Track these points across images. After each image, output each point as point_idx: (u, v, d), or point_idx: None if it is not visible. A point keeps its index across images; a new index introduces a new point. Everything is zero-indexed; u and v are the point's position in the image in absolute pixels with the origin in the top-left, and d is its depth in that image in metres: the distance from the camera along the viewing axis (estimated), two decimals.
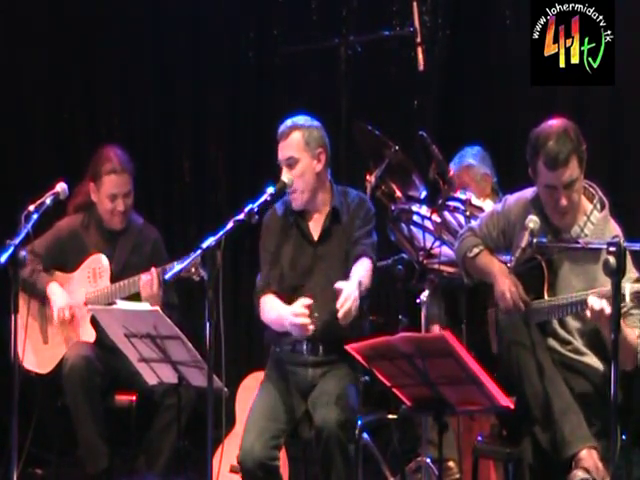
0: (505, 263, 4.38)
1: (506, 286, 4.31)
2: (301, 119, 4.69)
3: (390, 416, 4.90)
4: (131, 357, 4.52)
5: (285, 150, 4.65)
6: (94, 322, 5.16)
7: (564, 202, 4.24)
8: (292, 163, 4.62)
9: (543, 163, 4.22)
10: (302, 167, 4.63)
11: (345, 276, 4.52)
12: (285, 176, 4.59)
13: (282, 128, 4.68)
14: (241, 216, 4.31)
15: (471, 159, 5.82)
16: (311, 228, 4.71)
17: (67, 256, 5.45)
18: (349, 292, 4.34)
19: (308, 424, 4.50)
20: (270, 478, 4.40)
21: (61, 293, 5.35)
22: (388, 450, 5.57)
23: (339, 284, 4.37)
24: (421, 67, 5.70)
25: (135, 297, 5.15)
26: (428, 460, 5.15)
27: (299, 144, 4.63)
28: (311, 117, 4.73)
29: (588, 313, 4.05)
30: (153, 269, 5.12)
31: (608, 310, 3.91)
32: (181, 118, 6.96)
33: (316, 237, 4.69)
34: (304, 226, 4.70)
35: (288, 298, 4.60)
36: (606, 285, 3.94)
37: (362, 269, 4.56)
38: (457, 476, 5.28)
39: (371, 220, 4.71)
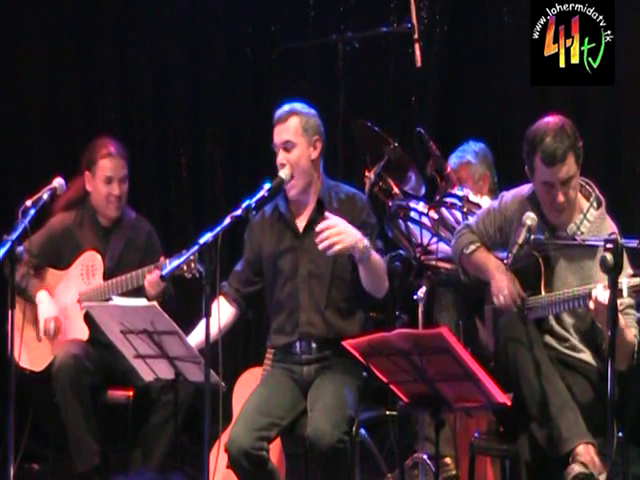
0: (502, 260, 4.39)
1: (503, 283, 4.31)
2: (299, 105, 4.67)
3: (387, 413, 4.90)
4: (127, 354, 4.50)
5: (283, 133, 4.62)
6: (87, 319, 5.16)
7: (561, 199, 4.24)
8: (289, 147, 4.59)
9: (540, 160, 4.21)
10: (299, 152, 4.60)
11: (331, 269, 4.55)
12: (282, 172, 4.58)
13: (280, 112, 4.66)
14: (238, 212, 4.30)
15: (471, 157, 5.78)
16: (298, 222, 4.68)
17: (60, 253, 5.44)
18: (335, 222, 4.34)
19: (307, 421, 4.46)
20: (256, 468, 4.36)
21: (49, 303, 5.34)
22: (385, 446, 5.58)
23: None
24: (418, 64, 5.68)
25: (130, 293, 5.14)
26: (425, 457, 5.17)
27: (297, 129, 4.61)
28: (308, 105, 4.71)
29: (591, 304, 4.04)
30: (157, 270, 5.07)
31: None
32: (178, 114, 6.96)
33: (301, 229, 4.67)
34: (290, 219, 4.68)
35: (279, 289, 4.64)
36: (602, 282, 3.95)
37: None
38: (453, 472, 5.29)
39: (366, 220, 4.60)
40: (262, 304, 4.72)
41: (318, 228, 4.36)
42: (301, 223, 4.68)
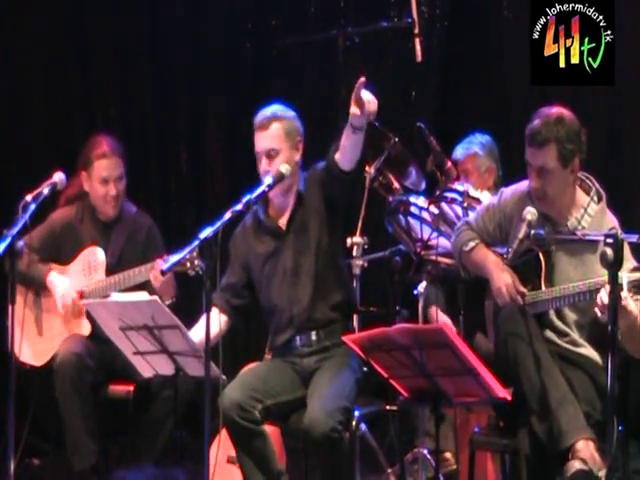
0: (502, 255, 4.39)
1: (502, 281, 4.32)
2: (279, 109, 4.65)
3: (388, 407, 4.91)
4: (126, 351, 4.49)
5: (265, 140, 4.59)
6: (89, 315, 5.15)
7: (533, 183, 4.27)
8: (273, 155, 4.58)
9: (525, 136, 4.27)
10: (283, 158, 4.59)
11: (315, 262, 4.58)
12: (282, 166, 4.56)
13: (260, 118, 4.63)
14: (239, 207, 4.30)
15: (478, 148, 5.76)
16: (279, 222, 4.69)
17: (61, 248, 5.44)
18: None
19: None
20: (249, 425, 4.37)
21: (61, 281, 5.34)
22: (385, 441, 5.58)
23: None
24: (419, 58, 5.68)
25: (131, 290, 5.14)
26: (425, 451, 5.17)
27: (280, 135, 4.60)
28: (285, 106, 4.70)
29: (597, 311, 4.03)
30: (160, 261, 5.06)
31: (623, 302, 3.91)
32: (178, 110, 6.96)
33: (284, 228, 4.68)
34: (270, 224, 4.69)
35: (270, 290, 4.66)
36: (603, 276, 3.95)
37: None
38: (454, 467, 5.30)
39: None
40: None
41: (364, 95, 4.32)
42: (283, 222, 4.69)
